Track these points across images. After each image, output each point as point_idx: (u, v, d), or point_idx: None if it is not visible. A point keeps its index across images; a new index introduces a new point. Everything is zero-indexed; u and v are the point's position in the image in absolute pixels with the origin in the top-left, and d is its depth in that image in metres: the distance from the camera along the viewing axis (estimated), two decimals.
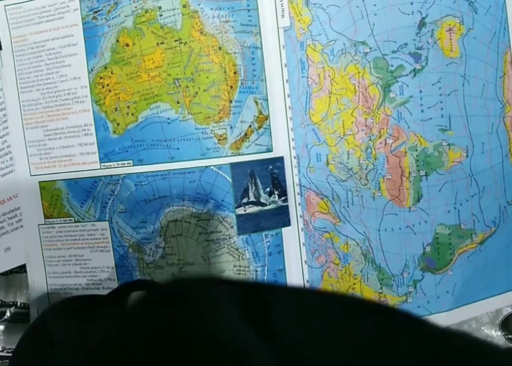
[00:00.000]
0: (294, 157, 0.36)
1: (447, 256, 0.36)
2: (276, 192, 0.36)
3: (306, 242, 0.37)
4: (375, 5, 0.34)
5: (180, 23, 0.34)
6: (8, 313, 0.38)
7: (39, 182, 0.37)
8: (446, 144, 0.35)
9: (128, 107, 0.35)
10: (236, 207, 0.35)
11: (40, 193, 0.37)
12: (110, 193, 0.36)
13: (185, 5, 0.34)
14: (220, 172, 0.35)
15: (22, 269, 0.38)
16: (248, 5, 0.35)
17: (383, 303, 0.35)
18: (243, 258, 0.36)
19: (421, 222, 0.35)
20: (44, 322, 0.30)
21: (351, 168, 0.36)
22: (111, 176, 0.36)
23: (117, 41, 0.35)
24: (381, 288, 0.36)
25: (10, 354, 0.37)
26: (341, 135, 0.35)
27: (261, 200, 0.36)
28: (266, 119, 0.36)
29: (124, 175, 0.35)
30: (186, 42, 0.34)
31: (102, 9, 0.35)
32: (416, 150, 0.35)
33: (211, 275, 0.35)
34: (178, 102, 0.35)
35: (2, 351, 0.38)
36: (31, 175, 0.37)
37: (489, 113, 0.36)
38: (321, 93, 0.35)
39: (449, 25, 0.34)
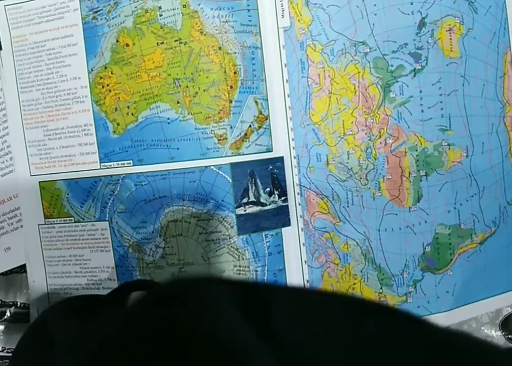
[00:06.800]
0: (294, 157, 0.36)
1: (447, 256, 0.36)
2: (276, 192, 0.36)
3: (306, 242, 0.37)
4: (375, 5, 0.34)
5: (180, 23, 0.34)
6: (8, 313, 0.38)
7: (39, 182, 0.37)
8: (446, 144, 0.35)
9: (128, 107, 0.35)
10: (236, 207, 0.35)
11: (40, 193, 0.37)
12: (110, 193, 0.36)
13: (185, 5, 0.34)
14: (220, 172, 0.35)
15: (22, 269, 0.38)
16: (248, 5, 0.35)
17: (383, 303, 0.35)
18: (243, 258, 0.36)
19: (421, 222, 0.35)
20: (44, 322, 0.30)
21: (351, 168, 0.36)
22: (111, 176, 0.36)
23: (117, 41, 0.35)
24: (381, 288, 0.36)
25: (10, 354, 0.37)
26: (341, 135, 0.35)
27: (261, 200, 0.36)
28: (266, 119, 0.36)
29: (124, 175, 0.35)
30: (186, 42, 0.34)
31: (102, 9, 0.35)
32: (416, 150, 0.35)
33: (211, 275, 0.35)
34: (178, 102, 0.35)
35: (2, 351, 0.38)
36: (31, 175, 0.37)
37: (489, 113, 0.36)
38: (321, 93, 0.35)
39: (449, 25, 0.34)
